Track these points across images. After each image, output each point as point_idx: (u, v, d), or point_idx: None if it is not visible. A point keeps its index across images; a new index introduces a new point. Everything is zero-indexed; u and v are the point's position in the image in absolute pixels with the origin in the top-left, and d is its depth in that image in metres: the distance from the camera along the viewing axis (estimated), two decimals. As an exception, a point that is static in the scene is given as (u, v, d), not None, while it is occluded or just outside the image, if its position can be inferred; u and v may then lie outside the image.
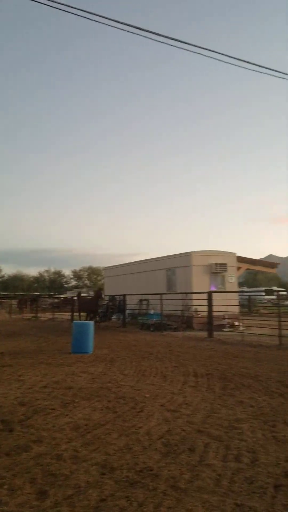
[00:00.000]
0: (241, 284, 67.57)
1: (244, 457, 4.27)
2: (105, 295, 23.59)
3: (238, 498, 3.43)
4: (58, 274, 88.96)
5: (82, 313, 23.02)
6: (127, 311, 23.03)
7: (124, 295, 22.77)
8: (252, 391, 7.28)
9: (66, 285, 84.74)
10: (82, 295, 25.50)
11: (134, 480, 3.79)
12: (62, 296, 52.04)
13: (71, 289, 72.26)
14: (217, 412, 5.95)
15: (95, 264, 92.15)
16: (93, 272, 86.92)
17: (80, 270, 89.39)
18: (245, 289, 55.54)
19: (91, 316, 21.80)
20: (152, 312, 22.10)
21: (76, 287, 78.02)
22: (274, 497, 3.46)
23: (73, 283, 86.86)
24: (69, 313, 27.29)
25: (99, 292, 22.29)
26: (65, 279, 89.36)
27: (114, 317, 24.27)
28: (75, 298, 25.76)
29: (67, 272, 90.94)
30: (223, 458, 4.27)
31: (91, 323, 12.69)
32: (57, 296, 53.73)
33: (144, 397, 6.78)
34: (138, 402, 6.46)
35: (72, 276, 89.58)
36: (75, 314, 24.65)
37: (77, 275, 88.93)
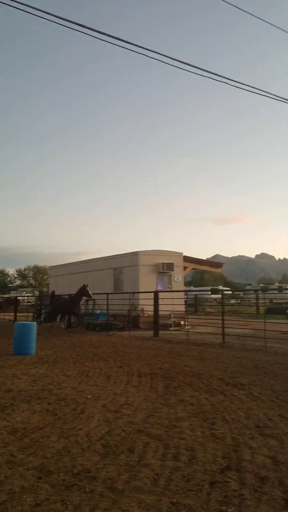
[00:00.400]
0: (188, 283, 68.74)
1: (183, 456, 4.31)
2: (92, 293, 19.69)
3: (174, 497, 3.45)
4: (2, 273, 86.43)
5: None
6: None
7: (70, 295, 22.44)
8: (194, 389, 7.38)
9: (10, 285, 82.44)
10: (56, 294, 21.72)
11: (71, 483, 3.72)
12: (5, 296, 50.66)
13: (15, 288, 70.47)
14: (159, 411, 5.98)
15: (40, 263, 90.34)
16: (38, 272, 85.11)
17: (25, 269, 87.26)
18: (192, 288, 56.45)
19: (69, 319, 19.20)
20: (98, 312, 21.97)
21: (20, 286, 76.16)
22: (209, 494, 3.51)
23: (18, 282, 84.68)
24: (12, 314, 26.65)
25: (84, 289, 18.35)
26: (9, 279, 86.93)
27: (59, 318, 23.88)
28: (50, 297, 21.74)
29: (11, 271, 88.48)
30: (162, 457, 4.29)
31: (34, 323, 12.40)
32: (0, 296, 52.20)
33: (86, 398, 6.70)
34: (79, 403, 6.38)
35: (16, 276, 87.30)
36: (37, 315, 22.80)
37: (21, 275, 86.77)
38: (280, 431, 5.05)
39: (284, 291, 42.40)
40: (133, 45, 9.03)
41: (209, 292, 47.29)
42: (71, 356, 11.37)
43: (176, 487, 3.64)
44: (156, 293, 17.63)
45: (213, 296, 42.55)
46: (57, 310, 20.04)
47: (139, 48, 9.11)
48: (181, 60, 9.80)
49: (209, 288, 57.44)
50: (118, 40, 8.73)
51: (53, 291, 21.86)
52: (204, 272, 74.32)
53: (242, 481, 3.72)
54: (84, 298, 19.36)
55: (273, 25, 13.52)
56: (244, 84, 10.94)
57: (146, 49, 9.18)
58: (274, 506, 3.30)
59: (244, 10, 11.99)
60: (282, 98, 11.96)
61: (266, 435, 4.94)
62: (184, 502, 3.35)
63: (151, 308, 17.52)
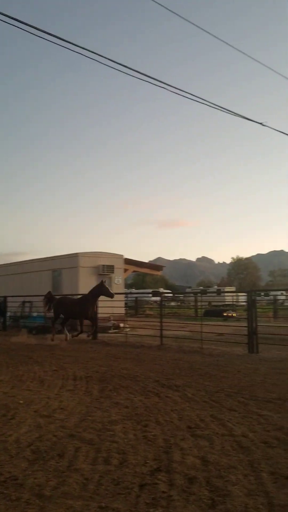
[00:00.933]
0: (129, 286, 68.94)
1: (114, 459, 4.29)
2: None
3: (103, 501, 3.43)
4: None
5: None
6: (8, 314, 22.08)
7: (5, 297, 21.79)
8: (129, 392, 7.38)
9: None
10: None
11: (-3, 492, 3.59)
12: None
13: None
14: (92, 415, 5.91)
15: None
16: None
17: None
18: (133, 290, 56.71)
19: (82, 326, 14.76)
20: (35, 314, 21.48)
21: None
22: (138, 497, 3.51)
23: None
24: None
25: (103, 287, 14.77)
26: None
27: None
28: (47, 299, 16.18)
29: None
30: (93, 461, 4.25)
31: None
32: None
33: (18, 403, 6.51)
34: (10, 409, 6.19)
35: None
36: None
37: None
38: (211, 432, 5.16)
39: (222, 294, 43.59)
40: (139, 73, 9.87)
41: (150, 295, 47.73)
42: (4, 360, 11.02)
43: (105, 491, 3.61)
44: (95, 296, 17.45)
45: (154, 298, 42.98)
46: (63, 314, 15.60)
47: (138, 73, 9.87)
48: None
49: (150, 290, 58.00)
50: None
51: (49, 291, 17.29)
52: (146, 275, 74.87)
53: (171, 482, 3.75)
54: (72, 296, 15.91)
55: (251, 57, 13.92)
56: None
57: (144, 74, 9.99)
58: (201, 506, 3.35)
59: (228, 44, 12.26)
60: (233, 111, 12.28)
61: (197, 435, 5.02)
62: (113, 506, 3.34)
63: (90, 310, 17.31)
